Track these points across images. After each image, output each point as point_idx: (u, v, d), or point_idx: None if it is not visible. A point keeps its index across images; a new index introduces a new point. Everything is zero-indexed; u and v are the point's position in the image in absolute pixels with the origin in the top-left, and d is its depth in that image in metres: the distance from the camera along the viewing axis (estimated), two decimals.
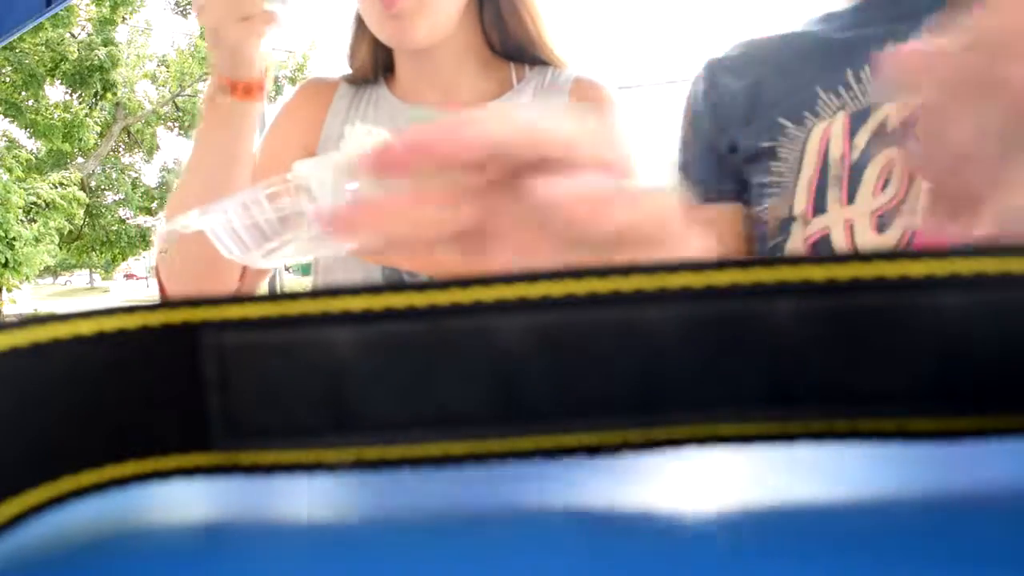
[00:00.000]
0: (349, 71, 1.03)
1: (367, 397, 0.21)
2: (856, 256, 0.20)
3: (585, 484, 0.23)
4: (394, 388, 0.21)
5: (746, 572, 0.17)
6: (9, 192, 11.29)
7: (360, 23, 0.99)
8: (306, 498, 0.23)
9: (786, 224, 0.78)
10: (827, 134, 0.75)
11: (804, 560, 0.17)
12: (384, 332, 0.21)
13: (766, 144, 0.80)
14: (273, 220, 0.61)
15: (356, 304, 0.21)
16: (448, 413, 0.21)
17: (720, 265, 0.20)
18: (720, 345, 0.20)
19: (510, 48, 0.98)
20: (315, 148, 0.97)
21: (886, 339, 0.20)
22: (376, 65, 1.00)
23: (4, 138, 14.79)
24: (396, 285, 0.21)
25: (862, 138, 0.73)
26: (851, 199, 0.73)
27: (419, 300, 0.20)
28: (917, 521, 0.19)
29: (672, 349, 0.20)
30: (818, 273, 0.20)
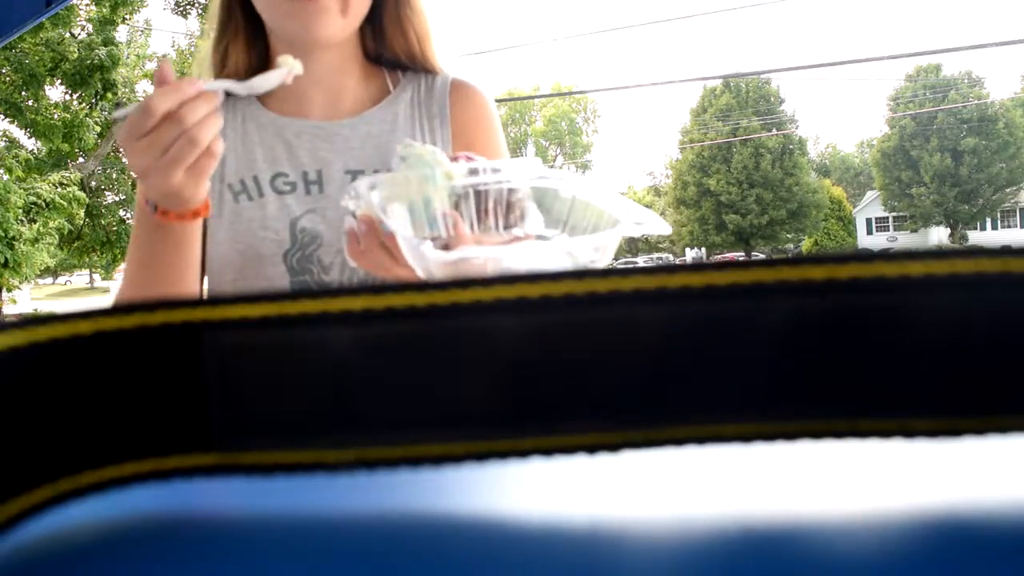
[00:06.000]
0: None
1: (367, 397, 0.21)
2: (856, 256, 0.19)
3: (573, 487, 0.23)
4: (394, 388, 0.21)
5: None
6: (9, 192, 11.28)
7: (231, 22, 0.95)
8: (306, 498, 0.23)
9: None
10: None
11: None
12: (384, 332, 0.21)
13: None
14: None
15: (356, 304, 0.21)
16: (448, 413, 0.21)
17: (720, 265, 0.20)
18: (720, 345, 0.20)
19: (387, 56, 1.00)
20: None
21: (886, 339, 0.19)
22: (250, 70, 0.96)
23: (4, 138, 14.78)
24: (396, 285, 0.21)
25: None
26: None
27: (419, 300, 0.20)
28: (911, 523, 0.19)
29: (672, 349, 0.20)
30: (818, 273, 0.20)
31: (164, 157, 0.68)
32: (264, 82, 0.75)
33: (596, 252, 0.65)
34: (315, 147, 0.94)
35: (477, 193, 0.68)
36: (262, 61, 0.98)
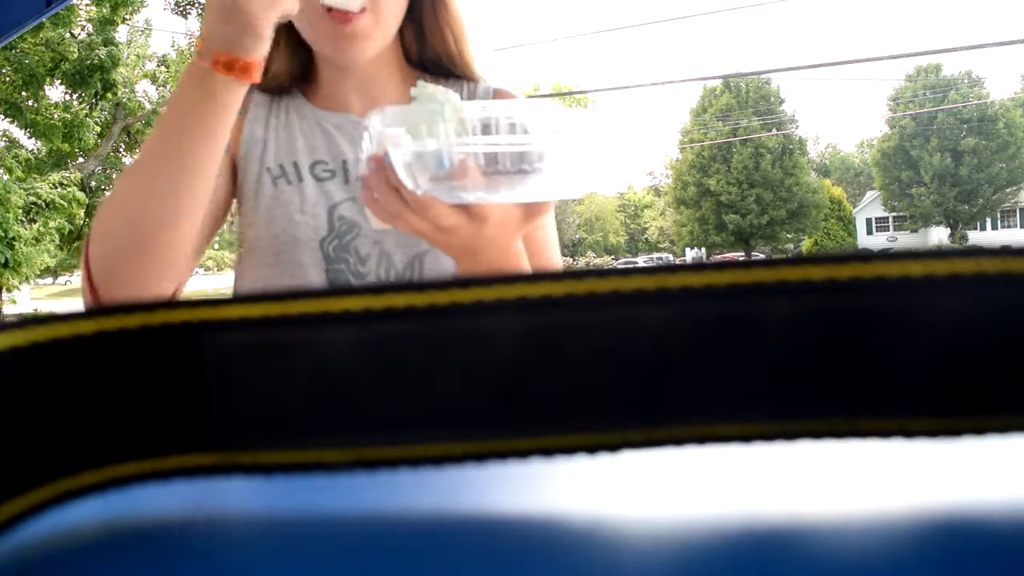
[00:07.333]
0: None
1: (367, 397, 0.21)
2: (856, 256, 0.20)
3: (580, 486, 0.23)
4: (394, 388, 0.21)
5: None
6: (9, 192, 11.29)
7: (275, 34, 0.96)
8: (306, 498, 0.23)
9: None
10: None
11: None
12: (384, 332, 0.21)
13: None
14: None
15: (356, 304, 0.21)
16: (448, 413, 0.21)
17: (720, 265, 0.20)
18: (720, 345, 0.20)
19: (427, 61, 1.00)
20: (236, 152, 0.96)
21: (886, 339, 0.20)
22: (293, 76, 0.98)
23: (4, 138, 14.79)
24: (396, 285, 0.21)
25: None
26: None
27: (419, 300, 0.20)
28: (913, 525, 0.19)
29: (672, 349, 0.20)
30: (818, 273, 0.20)
31: None
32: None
33: (553, 132, 0.65)
34: (355, 139, 0.94)
35: (486, 129, 0.66)
36: (304, 69, 0.99)
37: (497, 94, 0.99)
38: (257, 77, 0.76)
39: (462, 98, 0.97)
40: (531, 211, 0.72)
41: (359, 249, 0.92)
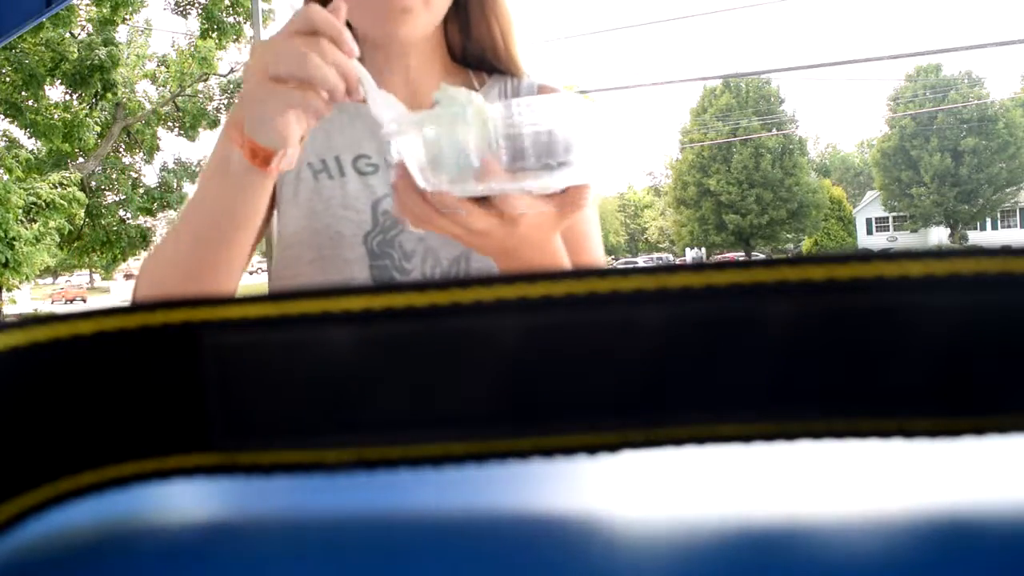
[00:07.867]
0: None
1: (367, 397, 0.21)
2: (856, 256, 0.20)
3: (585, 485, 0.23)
4: (394, 388, 0.21)
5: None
6: (9, 192, 11.30)
7: None
8: (306, 498, 0.23)
9: None
10: None
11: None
12: (384, 332, 0.21)
13: None
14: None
15: (356, 304, 0.21)
16: (448, 413, 0.21)
17: (720, 265, 0.20)
18: (720, 345, 0.20)
19: (471, 56, 0.98)
20: None
21: (886, 339, 0.20)
22: None
23: (4, 138, 14.79)
24: (396, 285, 0.21)
25: None
26: None
27: (419, 300, 0.20)
28: (913, 526, 0.19)
29: (672, 349, 0.20)
30: (818, 273, 0.20)
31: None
32: (377, 106, 0.73)
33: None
34: None
35: (510, 127, 0.64)
36: None
37: (542, 90, 0.97)
38: (262, 166, 0.71)
39: (504, 95, 0.95)
40: (565, 209, 0.70)
41: (403, 245, 0.90)
